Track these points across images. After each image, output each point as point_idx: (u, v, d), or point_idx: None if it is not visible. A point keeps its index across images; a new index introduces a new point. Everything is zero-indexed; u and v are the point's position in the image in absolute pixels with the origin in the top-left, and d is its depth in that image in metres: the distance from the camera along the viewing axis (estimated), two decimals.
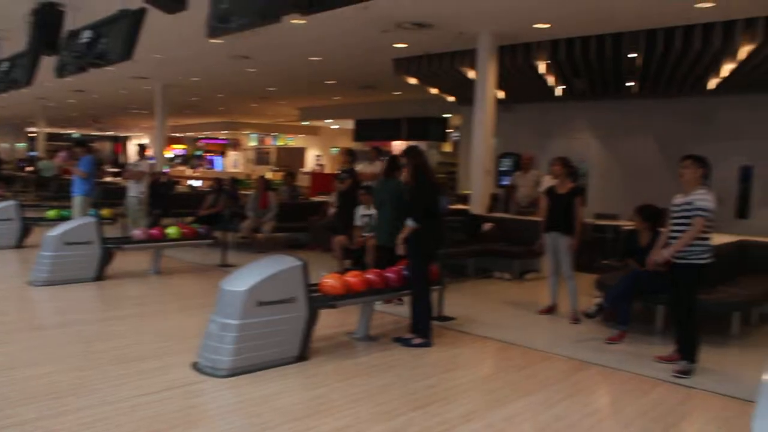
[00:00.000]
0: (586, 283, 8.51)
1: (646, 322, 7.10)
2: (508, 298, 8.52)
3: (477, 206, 11.01)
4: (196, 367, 5.01)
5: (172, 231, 9.07)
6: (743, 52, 10.24)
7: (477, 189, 11.28)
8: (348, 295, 5.69)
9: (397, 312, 6.86)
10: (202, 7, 5.06)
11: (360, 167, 12.42)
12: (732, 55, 10.67)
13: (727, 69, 11.48)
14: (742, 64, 11.09)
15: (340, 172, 11.09)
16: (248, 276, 5.12)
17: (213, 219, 11.80)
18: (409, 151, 5.87)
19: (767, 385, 3.10)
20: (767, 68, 11.34)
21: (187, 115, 29.17)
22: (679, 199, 5.60)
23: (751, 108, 14.01)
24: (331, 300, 5.53)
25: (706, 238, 5.45)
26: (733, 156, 14.28)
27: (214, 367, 4.92)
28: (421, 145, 21.54)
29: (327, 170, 28.14)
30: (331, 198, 12.38)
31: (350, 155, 11.02)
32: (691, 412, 4.68)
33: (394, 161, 7.42)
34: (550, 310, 7.61)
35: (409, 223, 5.75)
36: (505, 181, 15.60)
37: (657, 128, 15.16)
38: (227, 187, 12.83)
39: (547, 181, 9.80)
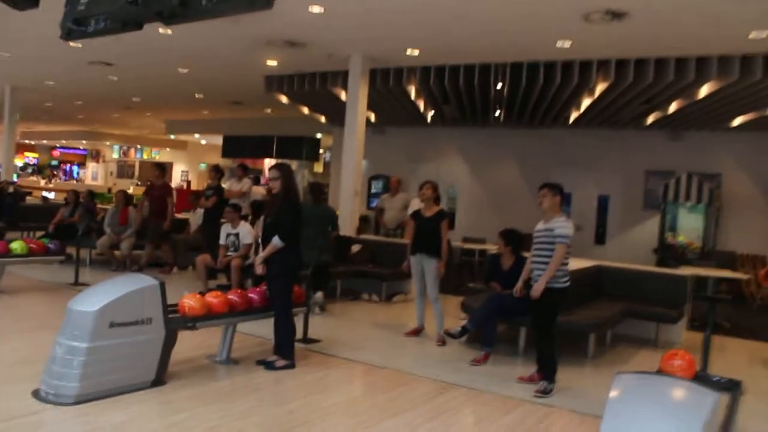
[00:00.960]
0: (453, 306, 8.68)
1: (510, 343, 7.32)
2: (375, 319, 8.54)
3: (346, 228, 11.04)
4: (37, 395, 4.68)
5: (17, 246, 8.55)
6: (599, 89, 10.96)
7: (346, 210, 11.34)
8: (208, 316, 5.52)
9: (261, 334, 6.72)
10: (58, 6, 4.77)
11: (227, 185, 12.21)
12: (590, 91, 11.40)
13: (585, 104, 12.24)
14: (598, 100, 11.86)
15: (206, 188, 10.84)
16: (100, 295, 4.90)
17: (67, 233, 11.19)
18: (281, 167, 5.81)
19: (611, 400, 3.38)
20: (620, 105, 12.19)
21: (42, 121, 27.62)
22: (540, 225, 5.85)
23: (605, 141, 14.99)
24: (190, 321, 5.34)
25: (565, 263, 5.72)
26: (592, 186, 15.21)
27: (58, 394, 4.63)
28: (293, 164, 21.48)
29: (194, 186, 27.44)
30: (192, 215, 12.08)
31: (217, 172, 10.84)
32: (550, 429, 4.86)
33: (319, 187, 8.80)
34: (417, 332, 7.67)
35: (275, 242, 5.68)
36: (375, 203, 15.82)
37: (522, 156, 15.89)
38: (84, 200, 12.20)
39: (415, 204, 9.99)
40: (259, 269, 5.81)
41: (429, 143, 16.94)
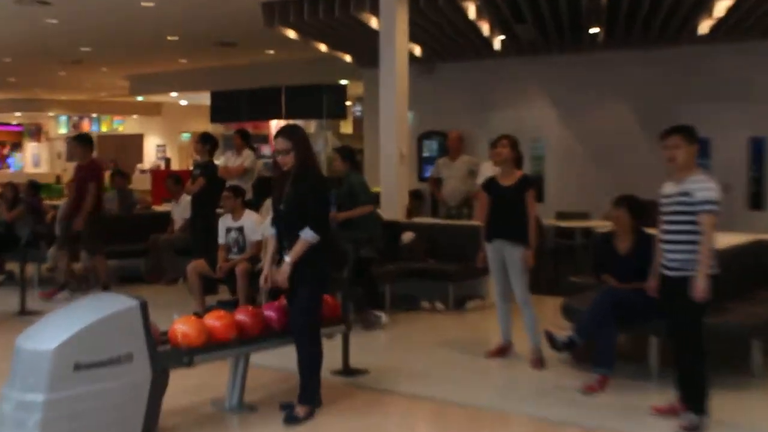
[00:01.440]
0: (550, 310, 8.59)
1: (636, 360, 7.22)
2: (442, 336, 8.52)
3: (391, 209, 11.01)
4: None
5: None
6: None
7: (389, 184, 11.29)
8: (210, 346, 5.55)
9: (284, 365, 6.72)
10: None
11: (221, 160, 12.28)
12: None
13: (722, 5, 11.94)
14: (740, 1, 11.56)
15: (193, 167, 10.89)
16: (58, 327, 4.92)
17: (4, 244, 11.35)
18: (291, 132, 5.77)
19: None
20: None
21: None
22: (670, 188, 5.72)
23: (757, 58, 14.60)
24: (185, 355, 5.37)
25: None
26: (739, 126, 14.86)
27: None
28: (310, 125, 21.52)
29: (175, 166, 27.75)
30: (175, 207, 12.18)
31: (206, 143, 10.85)
32: None
33: (351, 152, 9.08)
34: (503, 351, 7.67)
35: (307, 237, 5.63)
36: (429, 172, 15.74)
37: (633, 90, 15.65)
38: (24, 196, 12.41)
39: (487, 170, 9.91)
40: (283, 280, 5.74)
41: (499, 81, 16.79)
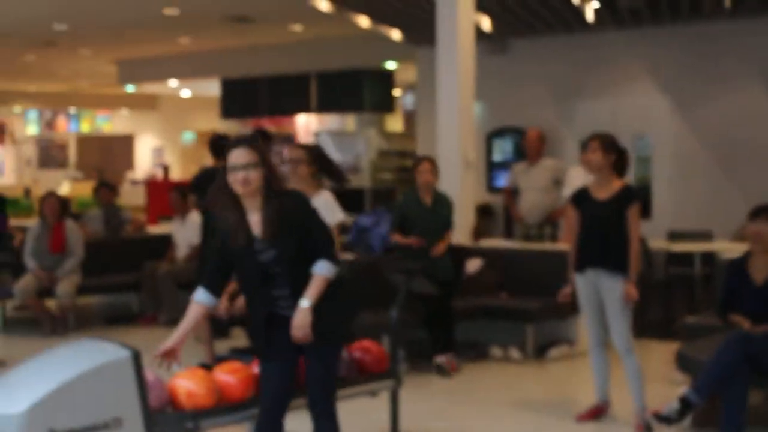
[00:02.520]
0: (659, 359, 8.61)
1: None
2: (518, 394, 8.54)
3: (454, 229, 11.00)
4: None
5: None
6: None
7: (450, 195, 11.26)
8: (222, 408, 5.57)
9: None
10: None
11: None
12: None
13: None
14: None
15: (197, 176, 10.96)
16: (29, 384, 4.96)
17: None
18: (255, 140, 5.67)
19: None
20: None
21: None
22: None
23: None
24: (189, 419, 5.39)
25: None
26: None
27: None
28: (348, 120, 21.59)
29: (176, 175, 27.90)
30: (179, 227, 12.28)
31: (216, 146, 10.90)
32: None
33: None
34: (597, 413, 7.67)
35: (323, 272, 5.51)
36: (502, 180, 15.72)
37: None
38: None
39: (576, 178, 9.89)
40: (307, 333, 5.61)
41: (592, 62, 16.69)
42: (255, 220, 5.45)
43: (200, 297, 5.56)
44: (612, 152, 7.38)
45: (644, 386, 7.36)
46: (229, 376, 5.68)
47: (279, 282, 5.51)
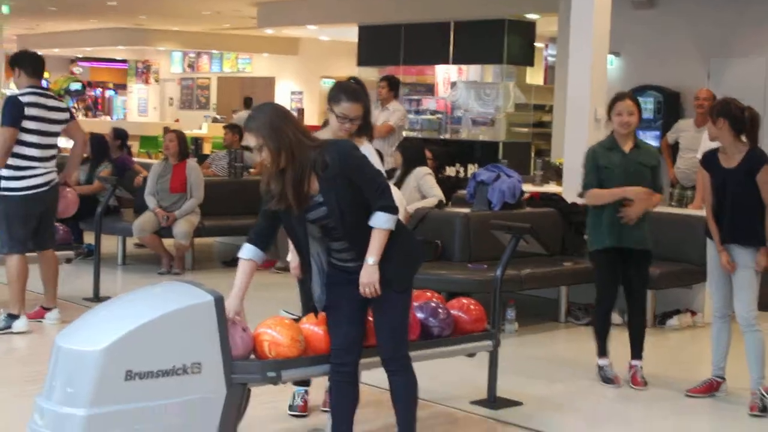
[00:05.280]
0: None
1: None
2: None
3: (576, 190, 10.77)
4: None
5: None
6: None
7: (574, 153, 10.97)
8: (306, 359, 5.53)
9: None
10: None
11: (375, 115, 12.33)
12: None
13: None
14: None
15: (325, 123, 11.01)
16: (108, 323, 5.00)
17: (81, 210, 11.62)
18: (257, 119, 5.37)
19: None
20: None
21: (50, 16, 29.07)
22: None
23: None
24: (272, 369, 5.36)
25: None
26: None
27: None
28: (487, 72, 21.34)
29: (310, 120, 28.03)
30: None
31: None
32: None
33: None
34: (711, 388, 7.51)
35: (382, 224, 5.30)
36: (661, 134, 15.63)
37: None
38: (111, 147, 12.73)
39: (707, 140, 9.70)
40: (372, 290, 5.38)
41: (742, 19, 16.14)
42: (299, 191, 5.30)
43: (247, 252, 5.55)
44: (721, 118, 7.17)
45: (765, 364, 7.20)
46: (316, 328, 5.63)
47: (335, 236, 5.41)
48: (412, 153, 10.58)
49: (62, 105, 9.20)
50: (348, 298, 5.42)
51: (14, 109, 8.48)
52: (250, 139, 5.30)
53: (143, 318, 4.99)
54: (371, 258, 5.30)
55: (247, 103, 28.32)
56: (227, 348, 5.18)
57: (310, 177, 5.22)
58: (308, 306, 5.95)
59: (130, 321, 4.97)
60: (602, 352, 7.83)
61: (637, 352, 7.86)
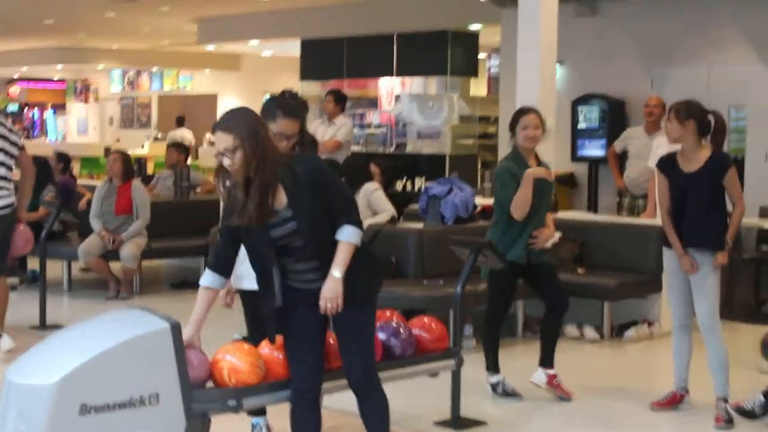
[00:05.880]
0: (747, 345, 8.55)
1: None
2: (593, 376, 8.52)
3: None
4: None
5: None
6: None
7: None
8: (266, 385, 5.44)
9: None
10: None
11: (312, 128, 12.26)
12: None
13: None
14: None
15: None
16: (61, 354, 4.94)
17: None
18: (235, 120, 5.24)
19: None
20: None
21: None
22: None
23: None
24: (232, 397, 5.27)
25: None
26: None
27: None
28: (431, 82, 21.40)
29: None
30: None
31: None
32: None
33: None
34: (675, 401, 7.51)
35: (350, 238, 5.23)
36: (584, 151, 15.91)
37: None
38: (54, 170, 12.63)
39: (660, 146, 9.83)
40: (335, 305, 5.27)
41: (685, 25, 16.24)
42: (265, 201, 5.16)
43: (207, 280, 5.34)
44: (689, 119, 7.20)
45: (728, 373, 7.20)
46: (276, 352, 5.55)
47: (300, 255, 5.28)
48: (356, 171, 10.52)
49: (17, 130, 9.17)
50: (309, 322, 5.32)
51: None
52: (221, 140, 5.12)
53: (97, 348, 4.90)
54: (337, 271, 5.18)
55: (180, 121, 28.37)
56: (185, 377, 5.09)
57: (275, 190, 5.10)
58: (259, 329, 5.90)
59: (84, 352, 4.88)
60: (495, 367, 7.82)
61: (550, 360, 7.80)
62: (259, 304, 5.55)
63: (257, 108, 5.64)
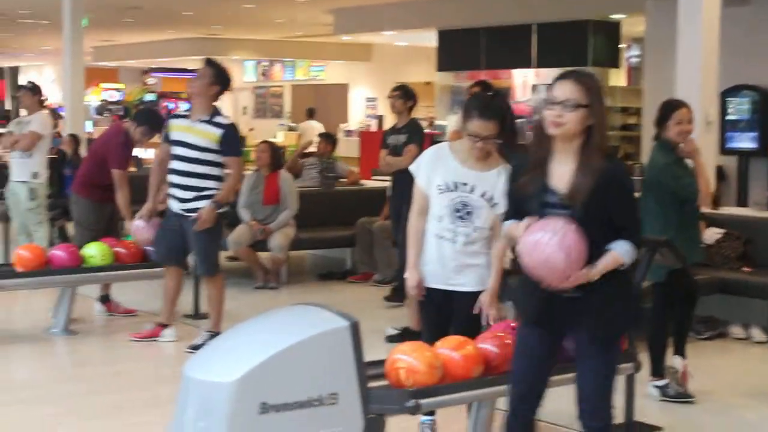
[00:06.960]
0: None
1: None
2: (762, 381, 8.29)
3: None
4: None
5: (95, 252, 9.09)
6: None
7: None
8: (445, 386, 5.38)
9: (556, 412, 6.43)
10: None
11: (452, 121, 12.11)
12: None
13: None
14: None
15: (388, 131, 11.32)
16: (240, 352, 4.93)
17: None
18: (589, 79, 5.00)
19: None
20: None
21: (126, 28, 29.51)
22: None
23: None
24: (409, 398, 5.21)
25: None
26: None
27: None
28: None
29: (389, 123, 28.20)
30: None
31: (410, 99, 10.95)
32: None
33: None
34: None
35: (623, 254, 4.85)
36: (733, 143, 15.58)
37: None
38: None
39: None
40: (575, 280, 4.84)
41: None
42: (560, 172, 4.84)
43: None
44: None
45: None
46: (453, 352, 5.51)
47: None
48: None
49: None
50: (554, 319, 4.94)
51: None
52: (564, 89, 4.76)
53: (276, 346, 4.89)
54: (595, 268, 4.78)
55: (310, 112, 28.40)
56: (364, 377, 5.06)
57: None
58: (432, 329, 5.97)
59: (263, 350, 4.88)
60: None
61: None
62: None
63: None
